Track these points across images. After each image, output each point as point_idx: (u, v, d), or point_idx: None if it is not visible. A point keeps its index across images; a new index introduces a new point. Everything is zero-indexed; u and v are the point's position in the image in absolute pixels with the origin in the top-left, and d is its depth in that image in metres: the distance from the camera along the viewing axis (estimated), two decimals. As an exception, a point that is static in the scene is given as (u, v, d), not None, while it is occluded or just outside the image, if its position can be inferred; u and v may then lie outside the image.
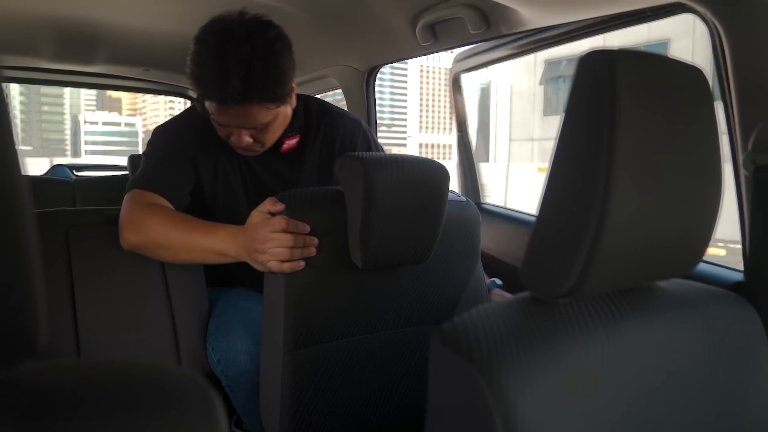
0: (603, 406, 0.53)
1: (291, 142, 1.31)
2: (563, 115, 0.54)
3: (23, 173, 0.33)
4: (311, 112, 1.36)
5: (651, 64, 0.56)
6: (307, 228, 1.01)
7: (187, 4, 1.63)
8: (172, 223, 1.15)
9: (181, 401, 0.37)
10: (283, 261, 1.01)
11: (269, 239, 1.00)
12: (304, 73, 2.02)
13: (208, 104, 1.16)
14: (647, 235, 0.55)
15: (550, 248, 0.55)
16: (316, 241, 1.01)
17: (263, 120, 1.18)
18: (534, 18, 1.21)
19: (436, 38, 1.45)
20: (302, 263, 1.01)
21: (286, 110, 1.23)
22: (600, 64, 0.52)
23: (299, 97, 1.30)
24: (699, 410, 0.60)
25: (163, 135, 1.31)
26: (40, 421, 0.33)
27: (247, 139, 1.19)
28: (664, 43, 13.33)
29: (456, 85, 1.87)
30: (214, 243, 1.10)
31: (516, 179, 13.71)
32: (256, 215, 1.05)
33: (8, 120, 0.32)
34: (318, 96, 1.64)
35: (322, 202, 1.06)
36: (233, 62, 1.09)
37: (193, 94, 1.52)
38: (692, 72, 0.59)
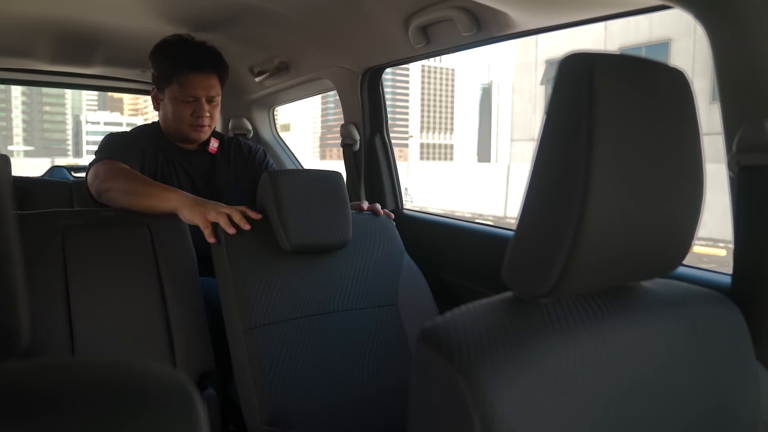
0: (583, 404, 0.54)
1: (215, 144, 1.71)
2: (544, 116, 0.55)
3: (5, 176, 0.33)
4: (221, 134, 1.82)
5: (631, 66, 0.56)
6: (257, 216, 1.31)
7: (180, 6, 1.65)
8: (137, 176, 1.43)
9: (161, 401, 0.37)
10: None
11: (227, 207, 1.31)
12: (299, 74, 2.03)
13: (174, 87, 1.58)
14: (627, 235, 0.55)
15: (531, 248, 0.56)
16: (247, 226, 1.29)
17: (217, 92, 1.63)
18: (524, 21, 1.22)
19: (429, 40, 1.45)
20: (232, 229, 1.28)
21: (220, 102, 1.66)
22: (579, 66, 0.52)
23: None
24: (681, 410, 0.61)
25: (117, 135, 1.63)
26: (11, 420, 0.33)
27: (206, 111, 1.60)
28: (666, 44, 13.32)
29: (372, 83, 1.87)
30: (173, 195, 1.35)
31: (517, 180, 13.70)
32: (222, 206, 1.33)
33: None
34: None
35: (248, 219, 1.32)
36: (199, 44, 1.60)
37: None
38: (673, 74, 0.59)
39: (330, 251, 1.38)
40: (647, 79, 0.57)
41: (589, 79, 0.51)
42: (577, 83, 0.52)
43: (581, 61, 0.53)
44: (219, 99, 1.65)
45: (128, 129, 1.73)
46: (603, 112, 0.51)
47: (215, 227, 1.29)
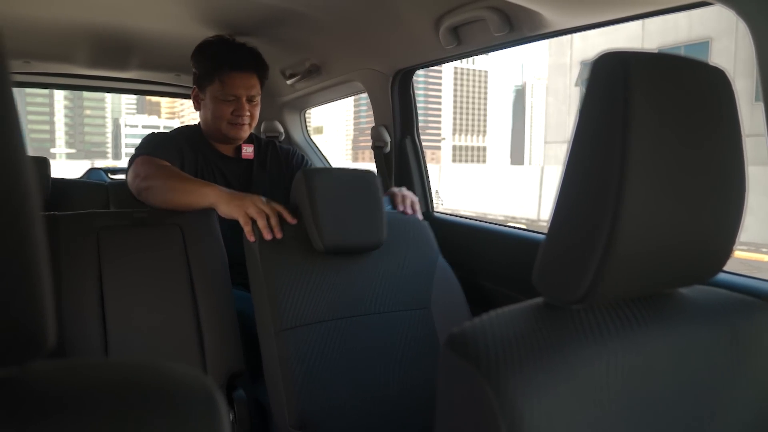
0: (616, 416, 0.52)
1: (248, 149, 1.72)
2: (576, 117, 0.54)
3: (37, 178, 0.34)
4: (259, 137, 1.83)
5: (668, 65, 0.54)
6: (292, 220, 1.29)
7: (213, 11, 1.67)
8: (175, 173, 1.43)
9: (184, 405, 0.37)
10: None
11: (265, 204, 1.28)
12: (330, 77, 2.03)
13: (215, 86, 1.60)
14: (664, 240, 0.53)
15: (563, 253, 0.54)
16: (280, 234, 1.27)
17: (257, 92, 1.65)
18: (557, 20, 1.19)
19: (460, 41, 1.44)
20: (269, 234, 1.26)
21: (260, 102, 1.69)
22: (614, 65, 0.51)
23: None
24: (719, 423, 0.58)
25: (157, 134, 1.65)
26: (35, 422, 0.33)
27: (246, 110, 1.62)
28: (706, 43, 12.99)
29: (403, 85, 1.85)
30: (210, 190, 1.34)
31: (551, 183, 13.52)
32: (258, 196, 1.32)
33: (18, 126, 0.33)
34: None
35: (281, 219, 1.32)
36: (240, 44, 1.65)
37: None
38: (714, 73, 0.57)
39: (363, 252, 1.36)
40: (686, 78, 0.55)
41: (624, 78, 0.49)
42: (612, 83, 0.50)
43: (616, 60, 0.51)
44: (259, 99, 1.67)
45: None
46: (639, 112, 0.49)
47: (254, 224, 1.27)
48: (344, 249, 1.30)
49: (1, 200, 0.32)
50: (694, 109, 0.54)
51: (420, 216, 1.55)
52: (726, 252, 0.60)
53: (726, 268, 0.65)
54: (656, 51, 0.57)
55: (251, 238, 1.26)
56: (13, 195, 0.32)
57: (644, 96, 0.50)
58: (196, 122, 1.77)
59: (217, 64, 1.61)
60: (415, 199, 1.56)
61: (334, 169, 1.39)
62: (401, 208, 1.51)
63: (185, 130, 1.72)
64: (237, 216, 1.27)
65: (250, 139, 1.75)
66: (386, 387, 1.30)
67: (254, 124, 1.69)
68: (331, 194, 1.28)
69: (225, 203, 1.30)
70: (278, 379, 1.21)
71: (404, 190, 1.57)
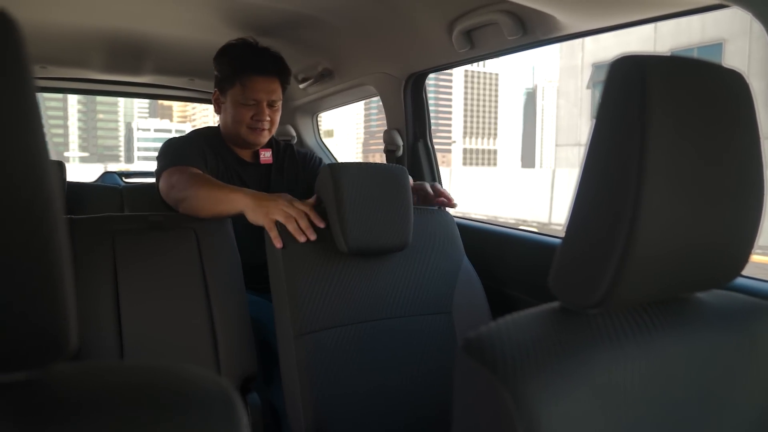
0: (633, 421, 0.51)
1: (266, 154, 1.70)
2: (593, 121, 0.53)
3: (58, 182, 0.34)
4: (278, 141, 1.81)
5: (685, 68, 0.54)
6: (321, 223, 1.23)
7: (226, 16, 1.68)
8: (207, 181, 1.38)
9: (203, 407, 0.38)
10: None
11: (291, 207, 1.23)
12: (343, 80, 2.04)
13: (236, 89, 1.59)
14: (681, 244, 0.53)
15: (580, 256, 0.54)
16: (314, 236, 1.22)
17: (279, 97, 1.63)
18: (571, 23, 1.19)
19: (473, 45, 1.44)
20: (303, 237, 1.21)
21: (281, 107, 1.67)
22: (630, 69, 0.51)
23: None
24: (738, 428, 0.58)
25: (177, 141, 1.60)
26: (56, 425, 0.34)
27: (267, 115, 1.61)
28: (719, 44, 12.88)
29: (415, 88, 1.84)
30: (238, 196, 1.29)
31: (563, 186, 13.46)
32: (286, 196, 1.28)
33: (41, 132, 0.34)
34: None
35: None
36: (263, 48, 1.62)
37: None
38: (731, 76, 0.57)
39: (388, 254, 1.31)
40: (703, 81, 0.54)
41: (641, 82, 0.49)
42: (629, 87, 0.50)
43: (632, 63, 0.51)
44: (280, 104, 1.66)
45: (178, 135, 1.72)
46: (656, 116, 0.49)
47: (281, 228, 1.21)
48: (369, 251, 1.25)
49: (24, 206, 0.32)
50: (711, 112, 0.54)
51: (455, 204, 1.50)
52: (744, 256, 0.59)
53: (744, 272, 0.65)
54: (670, 53, 0.57)
55: (278, 245, 1.20)
56: (36, 201, 0.33)
57: (661, 99, 0.50)
58: (206, 125, 1.75)
59: (238, 67, 1.59)
60: (438, 188, 1.50)
61: (362, 164, 1.31)
62: (441, 199, 1.46)
63: (205, 133, 1.70)
64: (263, 223, 1.22)
65: (269, 144, 1.74)
66: (405, 393, 1.27)
67: (274, 130, 1.68)
68: (358, 191, 1.22)
69: (251, 210, 1.25)
70: (296, 383, 1.19)
71: (433, 185, 1.52)
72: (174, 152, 1.52)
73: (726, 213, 0.55)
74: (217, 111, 1.68)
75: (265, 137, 1.66)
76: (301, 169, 1.76)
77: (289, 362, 1.21)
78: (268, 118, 1.61)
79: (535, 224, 13.06)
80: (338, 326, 1.24)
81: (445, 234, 1.41)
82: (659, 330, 0.56)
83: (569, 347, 0.52)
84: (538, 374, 0.49)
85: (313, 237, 1.21)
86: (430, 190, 1.48)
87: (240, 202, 1.27)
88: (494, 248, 1.67)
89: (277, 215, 1.21)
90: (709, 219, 0.54)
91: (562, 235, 0.57)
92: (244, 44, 1.63)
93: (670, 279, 0.55)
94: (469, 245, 1.64)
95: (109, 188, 2.25)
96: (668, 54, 0.56)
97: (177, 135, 1.70)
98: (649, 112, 0.49)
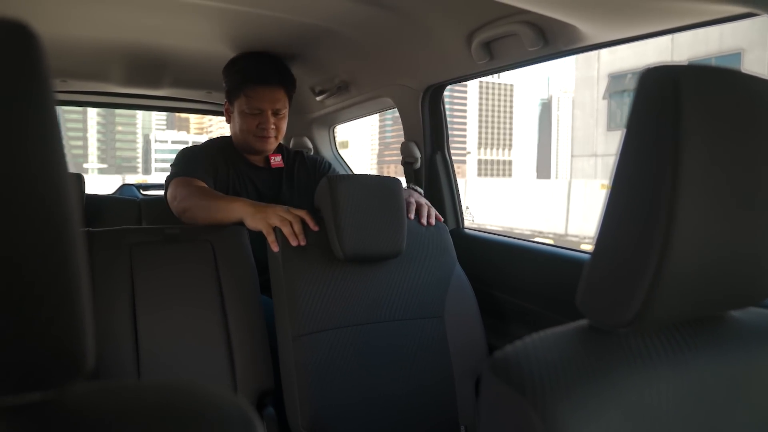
0: None
1: (276, 159, 1.77)
2: (623, 134, 0.52)
3: (77, 195, 0.33)
4: (287, 147, 1.88)
5: (719, 79, 0.52)
6: (315, 227, 1.32)
7: (243, 29, 1.69)
8: (207, 193, 1.48)
9: (221, 427, 0.37)
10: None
11: (287, 212, 1.32)
12: (360, 93, 2.04)
13: (241, 100, 1.66)
14: (717, 260, 0.51)
15: (610, 274, 0.52)
16: (304, 241, 1.30)
17: (284, 105, 1.69)
18: (593, 34, 1.17)
19: (492, 56, 1.43)
20: (295, 240, 1.29)
21: (287, 115, 1.72)
22: (662, 80, 0.49)
23: None
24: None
25: (190, 151, 1.69)
26: None
27: (272, 124, 1.66)
28: (738, 54, 12.77)
29: (433, 100, 1.83)
30: (236, 205, 1.39)
31: (578, 197, 13.36)
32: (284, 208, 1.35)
33: (61, 147, 0.33)
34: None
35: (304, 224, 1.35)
36: (267, 59, 1.72)
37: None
38: (764, 85, 0.55)
39: (383, 260, 1.38)
40: (737, 91, 0.53)
41: (674, 93, 0.48)
42: (660, 98, 0.48)
43: (664, 74, 0.49)
44: (286, 112, 1.71)
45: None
46: (690, 128, 0.47)
47: (278, 233, 1.30)
48: (364, 257, 1.33)
49: (42, 222, 0.32)
50: (747, 123, 0.52)
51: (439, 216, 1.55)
52: None
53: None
54: (686, 63, 0.55)
55: (275, 248, 1.29)
56: (54, 216, 0.32)
57: (695, 111, 0.48)
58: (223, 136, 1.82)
59: (242, 78, 1.67)
60: (431, 207, 1.55)
61: (359, 176, 1.42)
62: (424, 222, 1.50)
63: (218, 142, 1.79)
64: (261, 227, 1.31)
65: (279, 149, 1.80)
66: (396, 392, 1.33)
67: (281, 137, 1.74)
68: (354, 202, 1.30)
69: (250, 216, 1.34)
70: (293, 382, 1.24)
71: (417, 197, 1.56)
72: (185, 163, 1.61)
73: (763, 228, 0.53)
74: (228, 121, 1.76)
75: (272, 144, 1.72)
76: (311, 174, 1.81)
77: (287, 362, 1.26)
78: (273, 127, 1.67)
79: (551, 235, 12.97)
80: (335, 328, 1.30)
81: (438, 242, 1.49)
82: (693, 350, 0.54)
83: (599, 368, 0.50)
84: (568, 395, 0.47)
85: (303, 242, 1.30)
86: (424, 220, 1.51)
87: (239, 209, 1.37)
88: (508, 260, 1.67)
89: (274, 220, 1.30)
90: (745, 234, 0.52)
91: (580, 247, 0.55)
92: (249, 56, 1.74)
93: (705, 296, 0.53)
94: (482, 256, 1.67)
95: (127, 201, 2.27)
96: (698, 63, 0.54)
97: (192, 145, 1.79)
98: (683, 124, 0.47)
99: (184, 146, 1.80)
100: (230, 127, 1.76)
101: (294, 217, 1.31)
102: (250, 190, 1.70)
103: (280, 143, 1.79)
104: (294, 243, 1.29)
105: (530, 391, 0.47)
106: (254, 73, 1.66)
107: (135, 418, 0.36)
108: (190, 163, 1.61)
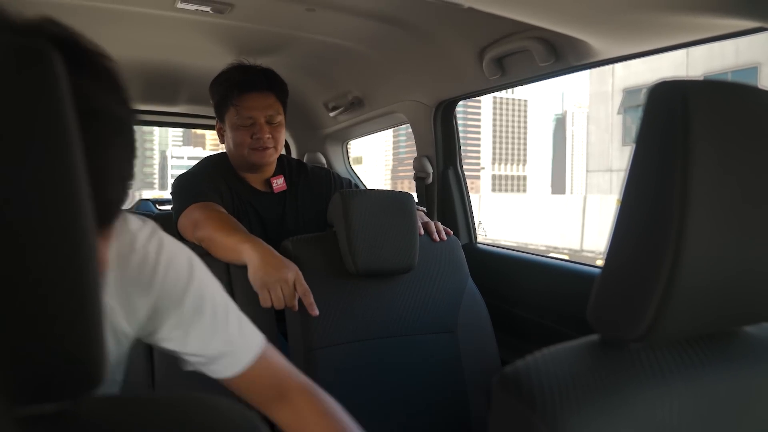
0: None
1: (279, 181, 1.62)
2: (633, 149, 0.52)
3: (89, 212, 0.34)
4: (290, 161, 1.73)
5: (729, 93, 0.52)
6: (313, 312, 1.24)
7: (256, 45, 1.71)
8: (221, 224, 1.34)
9: None
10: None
11: (288, 287, 1.22)
12: (372, 108, 2.05)
13: (231, 112, 1.53)
14: (730, 274, 0.51)
15: (621, 288, 0.52)
16: (296, 308, 1.23)
17: (277, 112, 1.55)
18: (605, 49, 1.18)
19: (504, 72, 1.43)
20: (280, 304, 1.21)
21: (283, 124, 1.58)
22: (671, 94, 0.49)
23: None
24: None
25: (189, 177, 1.56)
26: None
27: (267, 133, 1.52)
28: (755, 68, 12.67)
29: (445, 116, 1.84)
30: (245, 249, 1.27)
31: (594, 212, 13.26)
32: (293, 270, 1.24)
33: (78, 158, 0.33)
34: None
35: (317, 239, 1.38)
36: (251, 66, 1.56)
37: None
38: None
39: (395, 275, 1.38)
40: (745, 105, 0.53)
41: (683, 107, 0.48)
42: (669, 113, 0.49)
43: (672, 88, 0.49)
44: (281, 120, 1.57)
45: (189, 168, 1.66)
46: (699, 143, 0.47)
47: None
48: (377, 272, 1.33)
49: (59, 235, 0.32)
50: (756, 137, 0.52)
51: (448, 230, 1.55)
52: None
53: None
54: (702, 78, 0.55)
55: (263, 305, 1.22)
56: (71, 231, 0.33)
57: (704, 125, 0.48)
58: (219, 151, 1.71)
59: (228, 88, 1.53)
60: (438, 223, 1.54)
61: (371, 190, 1.42)
62: (436, 237, 1.49)
63: (215, 161, 1.64)
64: (256, 288, 1.23)
65: (281, 168, 1.66)
66: (409, 408, 1.32)
67: (279, 148, 1.59)
68: (366, 217, 1.31)
69: (253, 272, 1.24)
70: None
71: (421, 215, 1.55)
72: (190, 189, 1.47)
73: None
74: (221, 140, 1.63)
75: (271, 155, 1.57)
76: (315, 188, 1.68)
77: None
78: (268, 136, 1.53)
79: (566, 251, 12.87)
80: (347, 342, 1.30)
81: (450, 257, 1.48)
82: (705, 366, 0.54)
83: (611, 383, 0.50)
84: (579, 411, 0.47)
85: (292, 308, 1.23)
86: (436, 236, 1.50)
87: (246, 256, 1.26)
88: (521, 276, 1.67)
89: (275, 291, 1.21)
90: (757, 248, 0.52)
91: (596, 262, 0.55)
92: (232, 67, 1.57)
93: (718, 312, 0.53)
94: (496, 272, 1.65)
95: (143, 215, 2.29)
96: (707, 78, 0.54)
97: (186, 170, 1.64)
98: (692, 138, 0.47)
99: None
100: (225, 147, 1.62)
101: (291, 295, 1.22)
102: (252, 218, 1.57)
103: (280, 157, 1.66)
104: (279, 306, 1.21)
105: (540, 406, 0.47)
106: (239, 81, 1.52)
107: (148, 431, 0.36)
108: (198, 188, 1.47)
